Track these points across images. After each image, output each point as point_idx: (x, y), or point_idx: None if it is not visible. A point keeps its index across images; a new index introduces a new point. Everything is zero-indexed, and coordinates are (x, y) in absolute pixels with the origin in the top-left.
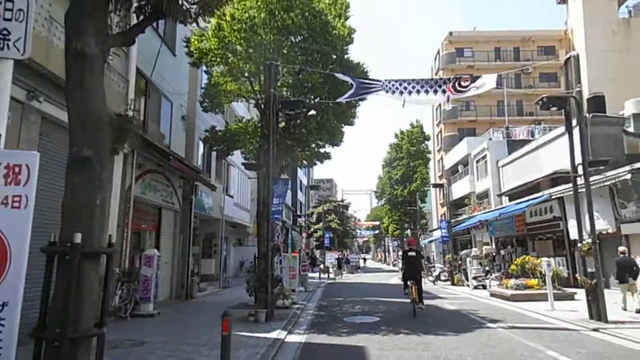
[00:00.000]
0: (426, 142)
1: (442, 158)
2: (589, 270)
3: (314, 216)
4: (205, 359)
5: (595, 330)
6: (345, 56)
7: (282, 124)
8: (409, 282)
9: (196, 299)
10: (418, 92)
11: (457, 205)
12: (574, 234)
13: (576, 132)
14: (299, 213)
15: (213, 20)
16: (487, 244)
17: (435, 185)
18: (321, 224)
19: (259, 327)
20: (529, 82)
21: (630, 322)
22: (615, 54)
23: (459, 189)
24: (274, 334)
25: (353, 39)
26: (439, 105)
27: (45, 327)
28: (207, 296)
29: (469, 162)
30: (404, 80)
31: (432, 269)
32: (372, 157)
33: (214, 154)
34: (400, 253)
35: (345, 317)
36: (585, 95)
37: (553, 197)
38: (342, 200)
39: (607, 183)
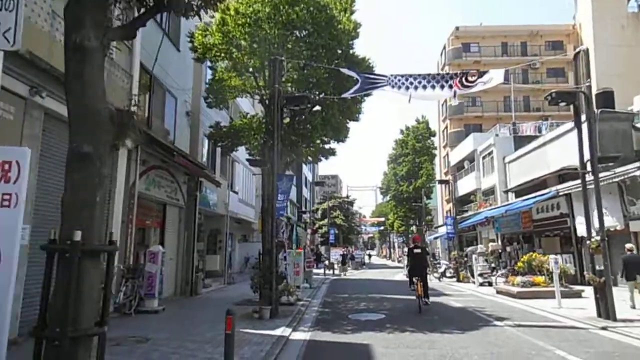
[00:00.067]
0: (432, 138)
1: (447, 154)
2: (598, 268)
3: (319, 212)
4: (209, 356)
5: (604, 328)
6: (351, 51)
7: (287, 120)
8: (414, 279)
9: (201, 295)
10: (424, 87)
11: (462, 202)
12: (581, 231)
13: (585, 128)
14: (303, 209)
15: (217, 15)
16: (493, 240)
17: (441, 182)
18: (326, 220)
19: (263, 324)
20: (536, 78)
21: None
22: (624, 48)
23: (465, 185)
24: (278, 331)
25: (358, 33)
26: (445, 101)
27: (45, 326)
28: (211, 292)
29: (475, 158)
30: (410, 76)
31: (438, 265)
32: (377, 153)
33: (218, 150)
34: (406, 249)
35: (350, 314)
36: (594, 90)
37: (560, 193)
38: (347, 197)
39: (616, 179)
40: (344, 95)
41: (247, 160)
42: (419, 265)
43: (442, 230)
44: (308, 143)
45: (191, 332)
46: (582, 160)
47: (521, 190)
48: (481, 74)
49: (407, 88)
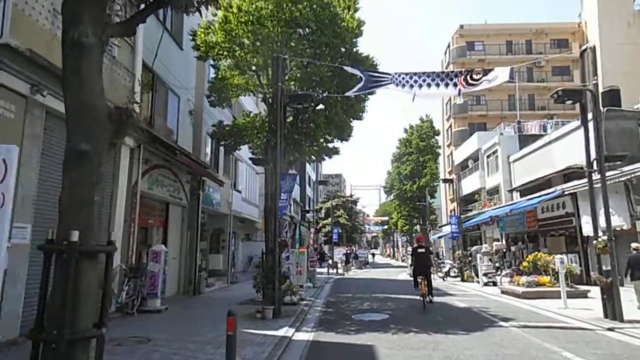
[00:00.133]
0: (436, 137)
1: (452, 153)
2: (604, 268)
3: (323, 211)
4: (211, 358)
5: (611, 329)
6: (354, 49)
7: (290, 119)
8: (418, 279)
9: (204, 295)
10: (429, 85)
11: (467, 201)
12: (587, 230)
13: (591, 127)
14: (307, 208)
15: (220, 13)
16: (497, 240)
17: (445, 181)
18: (330, 219)
19: (266, 324)
20: (541, 76)
21: None
22: (630, 46)
23: (469, 184)
24: (281, 332)
25: (362, 31)
26: (449, 99)
27: (42, 328)
28: (215, 292)
29: (479, 157)
30: (414, 74)
31: (442, 265)
32: (381, 152)
33: (222, 149)
34: (409, 249)
35: (353, 315)
36: (600, 88)
37: (566, 192)
38: (351, 196)
39: (623, 179)
40: (347, 94)
41: (250, 159)
42: (423, 264)
43: (446, 230)
44: (311, 142)
45: (193, 332)
46: (589, 159)
47: (526, 190)
48: (486, 72)
49: (412, 86)
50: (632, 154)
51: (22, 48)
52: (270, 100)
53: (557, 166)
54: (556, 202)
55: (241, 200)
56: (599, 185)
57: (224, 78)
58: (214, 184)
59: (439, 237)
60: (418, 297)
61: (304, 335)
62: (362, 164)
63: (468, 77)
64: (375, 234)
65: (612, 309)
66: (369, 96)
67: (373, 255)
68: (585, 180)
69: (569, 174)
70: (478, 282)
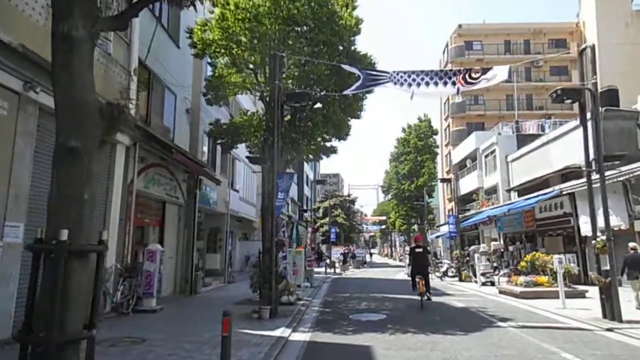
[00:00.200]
0: (434, 137)
1: (450, 153)
2: (603, 268)
3: (320, 211)
4: (206, 358)
5: (610, 330)
6: (352, 47)
7: (288, 117)
8: (416, 278)
9: (200, 294)
10: (427, 84)
11: (464, 201)
12: (585, 230)
13: (589, 126)
14: (305, 208)
15: (217, 10)
16: (495, 239)
17: (443, 180)
18: (327, 218)
19: (262, 324)
20: (539, 76)
21: None
22: (628, 46)
23: (467, 184)
24: (277, 332)
25: (360, 29)
26: (447, 99)
27: (31, 330)
28: (211, 291)
29: (477, 156)
30: (413, 72)
31: (440, 264)
32: (379, 151)
33: (219, 147)
34: (407, 248)
35: (351, 315)
36: (598, 88)
37: (564, 192)
38: (349, 195)
39: (621, 178)
40: (345, 92)
41: (247, 158)
42: (420, 264)
43: (444, 229)
44: (309, 141)
45: (189, 332)
46: (588, 158)
47: (524, 189)
48: (485, 71)
49: (410, 85)
50: (630, 154)
51: (14, 44)
52: (267, 98)
53: (555, 166)
54: (554, 202)
55: (239, 199)
56: (598, 185)
57: (220, 76)
58: (211, 183)
59: (437, 237)
60: (416, 297)
61: (301, 336)
62: (360, 163)
63: (467, 76)
64: (373, 234)
65: (611, 309)
66: (367, 95)
67: (371, 254)
68: (583, 180)
69: (567, 174)
70: (476, 282)
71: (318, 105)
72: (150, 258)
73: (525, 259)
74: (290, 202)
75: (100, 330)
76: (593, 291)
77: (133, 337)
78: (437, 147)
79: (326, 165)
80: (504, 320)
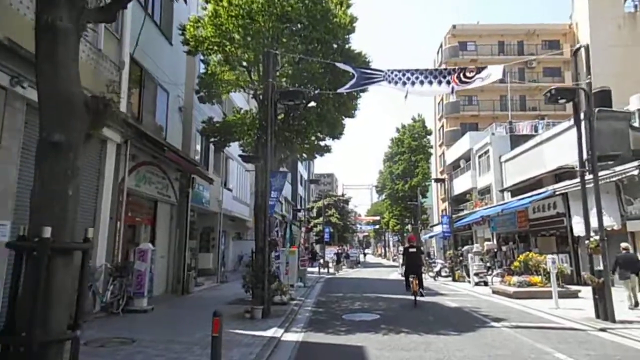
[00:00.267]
0: (428, 137)
1: (443, 153)
2: (596, 268)
3: (314, 210)
4: (197, 359)
5: (603, 330)
6: (347, 45)
7: (281, 116)
8: (410, 278)
9: (193, 294)
10: (421, 83)
11: (458, 201)
12: (577, 230)
13: (582, 126)
14: (299, 207)
15: (209, 7)
16: (488, 239)
17: (437, 180)
18: (321, 218)
19: (254, 324)
20: (532, 77)
21: (639, 322)
22: (620, 48)
23: (461, 184)
24: (269, 332)
25: (355, 27)
26: (441, 99)
27: (13, 330)
28: (204, 291)
29: (471, 157)
30: (407, 71)
31: (433, 264)
32: (373, 150)
33: (212, 146)
34: (401, 248)
35: (344, 315)
36: (592, 88)
37: (557, 192)
38: (343, 195)
39: (614, 179)
40: (339, 91)
41: (240, 156)
42: (414, 264)
43: (438, 229)
44: (302, 139)
45: (180, 332)
46: (582, 158)
47: (517, 190)
48: (479, 70)
49: (404, 83)
50: (623, 155)
51: (0, 37)
52: (261, 96)
53: (549, 166)
54: (547, 202)
55: (232, 198)
56: (591, 185)
57: (213, 73)
58: (204, 182)
59: (430, 237)
60: (409, 297)
61: (293, 336)
62: (354, 163)
63: (461, 75)
64: (366, 234)
65: (604, 309)
66: (361, 94)
67: (364, 254)
68: (576, 180)
69: (560, 174)
70: (469, 281)
71: (312, 103)
72: (141, 257)
73: (518, 259)
74: (283, 202)
75: (89, 330)
76: (585, 291)
77: (122, 338)
78: (431, 147)
79: (320, 165)
80: (498, 320)
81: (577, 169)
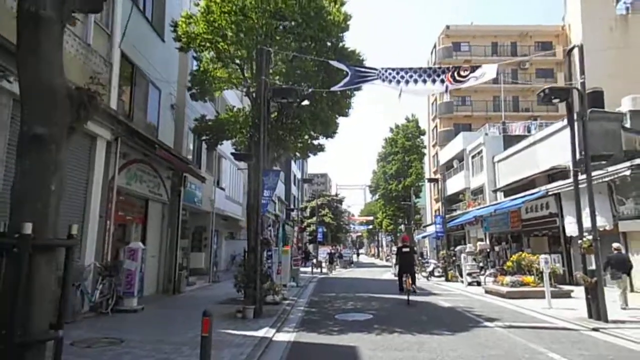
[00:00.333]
0: (421, 137)
1: (437, 153)
2: (589, 267)
3: (308, 210)
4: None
5: (596, 330)
6: (341, 44)
7: (275, 114)
8: (403, 277)
9: (184, 294)
10: (415, 81)
11: (451, 201)
12: (570, 230)
13: (577, 126)
14: (292, 207)
15: (202, 2)
16: (481, 240)
17: (430, 180)
18: (315, 218)
19: (246, 324)
20: (525, 78)
21: (631, 321)
22: (612, 50)
23: (454, 184)
24: (261, 332)
25: (349, 25)
26: (435, 99)
27: None
28: (196, 291)
29: (464, 157)
30: (401, 69)
31: (426, 264)
32: (367, 150)
33: (205, 145)
34: (394, 248)
35: (336, 314)
36: (586, 88)
37: (550, 193)
38: (336, 195)
39: (606, 179)
40: (333, 89)
41: (232, 154)
42: (407, 263)
43: (431, 230)
44: (296, 138)
45: (170, 332)
46: (575, 158)
47: (510, 190)
48: (473, 69)
49: (398, 82)
50: (615, 155)
51: None
52: (254, 94)
53: (542, 166)
54: (540, 203)
55: (225, 198)
56: (584, 185)
57: (206, 70)
58: (196, 181)
59: (424, 237)
60: (402, 297)
61: (285, 336)
62: (347, 163)
63: (455, 74)
64: (360, 234)
65: (597, 309)
66: (354, 92)
67: (358, 254)
68: (569, 180)
69: (553, 175)
70: (462, 281)
71: (305, 102)
72: (131, 256)
73: (511, 259)
74: (277, 201)
75: (77, 330)
76: (578, 291)
77: (111, 338)
78: (425, 147)
79: (314, 165)
80: (491, 320)
81: (570, 168)
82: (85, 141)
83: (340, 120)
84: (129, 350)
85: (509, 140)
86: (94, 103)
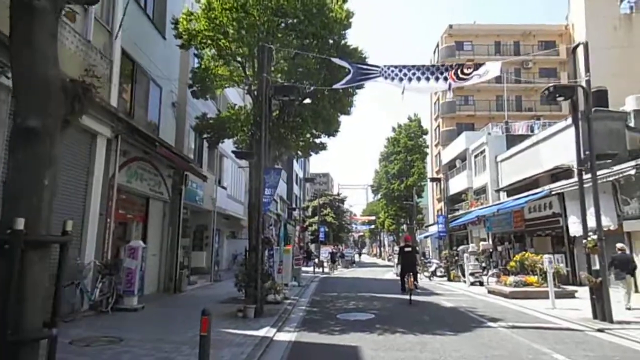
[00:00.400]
0: (424, 137)
1: (439, 153)
2: (593, 267)
3: (310, 210)
4: (185, 359)
5: (601, 330)
6: (343, 41)
7: (276, 112)
8: (405, 277)
9: (185, 293)
10: (418, 79)
11: (454, 201)
12: (573, 230)
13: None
14: (294, 206)
15: None
16: (483, 239)
17: (433, 180)
18: (316, 217)
19: (247, 323)
20: (528, 77)
21: (636, 322)
22: (616, 49)
23: (457, 184)
24: (262, 332)
25: (351, 23)
26: (437, 99)
27: None
28: (197, 290)
29: (467, 157)
30: (404, 67)
31: (428, 264)
32: (369, 148)
33: (206, 143)
34: (396, 248)
35: (338, 314)
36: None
37: (553, 192)
38: (338, 194)
39: (611, 178)
40: (335, 86)
41: (233, 152)
42: (409, 263)
43: (433, 229)
44: (297, 136)
45: (170, 331)
46: (580, 156)
47: (513, 190)
48: (477, 67)
49: (401, 80)
50: (620, 155)
51: None
52: (255, 92)
53: (545, 166)
54: (543, 202)
55: (226, 197)
56: (589, 184)
57: (207, 68)
58: (197, 179)
59: (426, 237)
60: (405, 297)
61: (286, 336)
62: (349, 161)
63: (459, 72)
64: (362, 234)
65: (602, 309)
66: (357, 90)
67: (360, 254)
68: (573, 180)
69: (556, 174)
70: (464, 281)
71: (307, 100)
72: (132, 255)
73: (514, 258)
74: (279, 201)
75: (76, 329)
76: (582, 291)
77: (110, 337)
78: (427, 147)
79: (316, 165)
80: (494, 320)
81: (574, 168)
82: (85, 138)
83: (342, 118)
84: (128, 349)
85: (512, 139)
86: (89, 96)
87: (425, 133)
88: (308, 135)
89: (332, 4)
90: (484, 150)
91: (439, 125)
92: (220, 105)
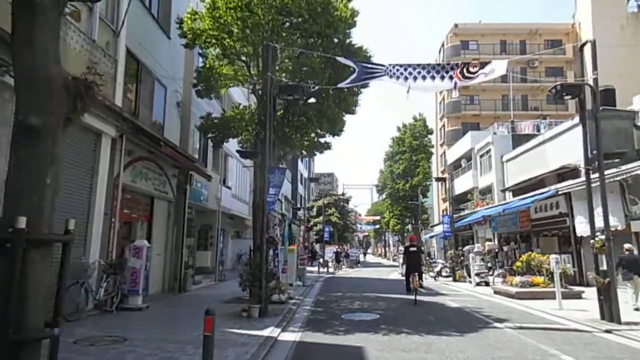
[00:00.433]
0: (429, 136)
1: (444, 152)
2: (601, 268)
3: (314, 210)
4: (189, 359)
5: (608, 331)
6: (348, 40)
7: (281, 112)
8: (410, 277)
9: (190, 292)
10: (424, 78)
11: (459, 201)
12: (580, 230)
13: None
14: (298, 206)
15: None
16: (489, 240)
17: (438, 179)
18: (321, 217)
19: (251, 323)
20: (534, 77)
21: None
22: (623, 48)
23: (462, 183)
24: (266, 332)
25: (356, 22)
26: (443, 98)
27: None
28: (201, 289)
29: (472, 156)
30: (409, 65)
31: (434, 264)
32: (374, 147)
33: (211, 143)
34: (401, 248)
35: (343, 314)
36: (598, 84)
37: (560, 192)
38: (343, 194)
39: (618, 178)
40: (340, 85)
41: (238, 151)
42: (415, 263)
43: (438, 229)
44: (302, 136)
45: (174, 331)
46: (587, 156)
47: (519, 190)
48: (483, 65)
49: (406, 79)
50: (628, 154)
51: None
52: (260, 91)
53: (551, 166)
54: (549, 202)
55: (231, 196)
56: (596, 184)
57: (211, 67)
58: (202, 179)
59: (431, 237)
60: (410, 297)
61: (291, 336)
62: (354, 162)
63: (464, 70)
64: (367, 234)
65: (609, 310)
66: (361, 90)
67: (364, 254)
68: (580, 180)
69: (562, 174)
70: (470, 282)
71: (312, 99)
72: (136, 254)
73: (520, 259)
74: (283, 200)
75: (81, 328)
76: (589, 292)
77: (114, 336)
78: (432, 146)
79: (321, 164)
80: (500, 320)
81: (582, 167)
82: (90, 138)
83: (347, 118)
84: (132, 349)
85: (518, 139)
86: (91, 93)
87: (431, 133)
88: (313, 135)
89: (337, 2)
90: (489, 150)
91: (444, 125)
92: (225, 104)
